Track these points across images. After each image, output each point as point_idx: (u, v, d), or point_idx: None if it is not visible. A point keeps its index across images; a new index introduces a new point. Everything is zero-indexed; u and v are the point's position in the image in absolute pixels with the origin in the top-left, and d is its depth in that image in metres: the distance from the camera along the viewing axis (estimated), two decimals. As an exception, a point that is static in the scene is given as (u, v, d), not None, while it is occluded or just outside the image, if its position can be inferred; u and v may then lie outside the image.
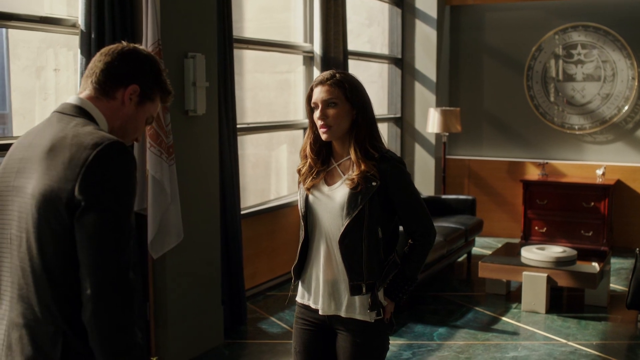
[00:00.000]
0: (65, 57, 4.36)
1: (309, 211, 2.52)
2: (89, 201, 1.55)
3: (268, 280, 5.90)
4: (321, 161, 2.52)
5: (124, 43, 1.82)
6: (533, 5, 7.85)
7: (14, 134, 4.66)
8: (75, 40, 4.14)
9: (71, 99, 1.76)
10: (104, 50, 1.80)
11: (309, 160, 2.52)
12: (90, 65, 1.79)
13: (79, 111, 1.73)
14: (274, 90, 7.76)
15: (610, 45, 7.53)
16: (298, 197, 2.59)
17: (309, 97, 2.49)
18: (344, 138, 2.48)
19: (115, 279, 1.57)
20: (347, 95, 2.44)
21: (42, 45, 4.41)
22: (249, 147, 7.07)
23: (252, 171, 7.20)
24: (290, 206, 6.15)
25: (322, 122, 2.42)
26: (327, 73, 2.48)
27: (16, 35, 4.36)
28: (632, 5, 7.43)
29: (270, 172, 7.58)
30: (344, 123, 2.44)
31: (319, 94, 2.45)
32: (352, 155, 2.43)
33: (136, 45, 1.83)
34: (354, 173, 2.41)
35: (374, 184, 2.39)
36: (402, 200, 2.45)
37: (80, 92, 1.78)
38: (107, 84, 1.75)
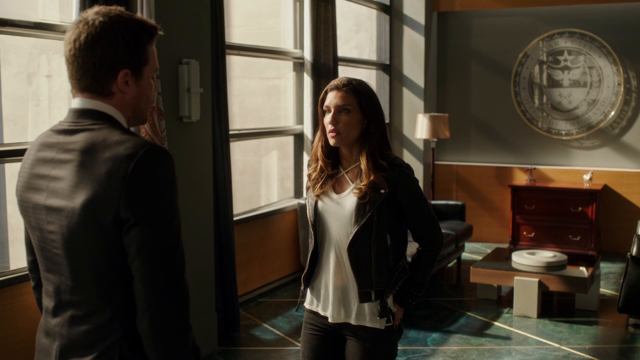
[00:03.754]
0: (58, 63, 4.32)
1: (318, 219, 2.52)
2: (136, 216, 1.50)
3: (260, 287, 5.88)
4: (332, 165, 2.52)
5: (80, 25, 1.58)
6: (520, 12, 7.92)
7: (5, 141, 4.62)
8: (68, 46, 4.11)
9: (77, 103, 1.64)
10: (68, 46, 1.60)
11: (320, 163, 2.52)
12: (67, 69, 1.64)
13: (94, 115, 1.61)
14: (261, 96, 7.75)
15: (597, 52, 7.61)
16: (307, 204, 2.58)
17: (322, 101, 2.48)
18: (352, 146, 2.48)
19: (168, 287, 1.53)
20: (360, 104, 2.44)
21: (34, 51, 4.37)
22: (237, 154, 7.05)
23: (239, 177, 7.18)
24: (280, 212, 6.14)
25: (333, 127, 2.42)
26: (343, 79, 2.47)
27: (7, 41, 4.31)
28: (617, 12, 7.51)
29: (259, 178, 7.56)
30: (354, 131, 2.44)
31: (333, 98, 2.44)
32: (363, 166, 2.43)
33: (88, 19, 1.59)
34: (362, 183, 2.41)
35: (382, 191, 2.39)
36: (411, 206, 2.46)
37: (75, 95, 1.65)
38: (95, 85, 1.60)
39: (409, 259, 2.61)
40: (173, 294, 1.54)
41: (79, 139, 1.59)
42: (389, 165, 2.43)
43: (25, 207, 1.68)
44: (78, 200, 1.54)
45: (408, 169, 2.47)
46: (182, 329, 1.56)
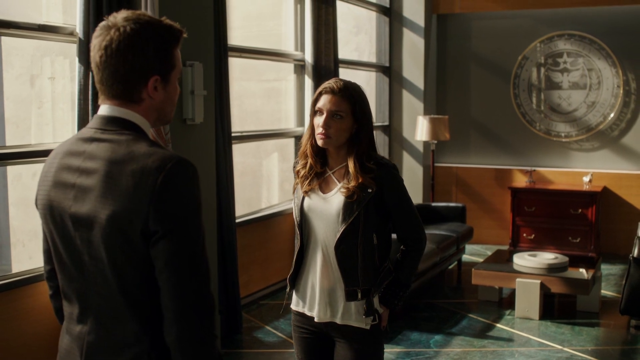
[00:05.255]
0: (61, 65, 4.31)
1: (304, 219, 2.54)
2: (165, 229, 1.51)
3: (261, 289, 5.88)
4: (321, 163, 2.53)
5: (111, 32, 1.57)
6: (519, 14, 7.93)
7: (7, 143, 4.61)
8: (71, 48, 4.10)
9: (104, 109, 1.64)
10: (98, 52, 1.59)
11: (310, 160, 2.53)
12: (97, 74, 1.62)
13: (120, 123, 1.61)
14: (260, 98, 7.75)
15: (596, 54, 7.63)
16: (293, 205, 2.59)
17: (315, 101, 2.49)
18: (339, 147, 2.50)
19: (196, 299, 1.54)
20: (354, 111, 2.45)
21: (37, 53, 4.36)
22: (236, 156, 7.04)
23: (238, 179, 7.17)
24: (282, 215, 6.14)
25: (324, 131, 2.43)
26: (339, 82, 2.47)
27: (9, 43, 4.31)
28: (616, 14, 7.53)
29: (259, 180, 7.56)
30: (343, 136, 2.46)
31: (327, 102, 2.44)
32: (351, 169, 2.45)
33: (118, 25, 1.58)
34: (350, 183, 2.43)
35: (369, 190, 2.42)
36: (397, 205, 2.48)
37: (103, 101, 1.65)
38: (126, 92, 1.61)
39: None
40: (200, 305, 1.55)
41: (106, 148, 1.59)
42: (375, 165, 2.45)
43: (51, 214, 1.66)
44: (104, 211, 1.54)
45: (394, 169, 2.50)
46: (209, 339, 1.57)
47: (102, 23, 1.62)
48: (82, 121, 3.83)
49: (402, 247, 2.57)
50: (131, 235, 1.52)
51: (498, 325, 5.25)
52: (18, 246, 4.52)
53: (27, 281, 3.79)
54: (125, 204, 1.52)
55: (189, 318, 1.53)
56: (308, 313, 2.55)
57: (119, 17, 1.60)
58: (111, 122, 1.62)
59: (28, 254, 4.52)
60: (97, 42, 1.61)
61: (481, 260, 6.77)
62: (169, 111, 1.71)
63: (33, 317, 3.79)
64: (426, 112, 7.94)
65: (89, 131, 1.65)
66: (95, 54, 1.61)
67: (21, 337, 3.73)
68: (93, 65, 1.63)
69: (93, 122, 1.67)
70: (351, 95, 2.45)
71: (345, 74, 7.21)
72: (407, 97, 8.00)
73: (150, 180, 1.51)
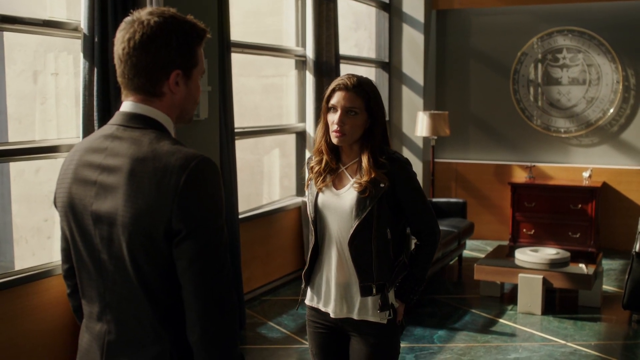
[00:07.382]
0: (65, 61, 4.29)
1: (318, 216, 2.53)
2: (189, 228, 1.49)
3: (263, 285, 5.87)
4: (336, 159, 2.53)
5: (135, 25, 1.57)
6: (519, 10, 7.93)
7: (10, 139, 4.59)
8: (74, 43, 4.08)
9: (127, 106, 1.63)
10: (121, 45, 1.59)
11: (325, 156, 2.52)
12: (119, 67, 1.62)
13: (143, 121, 1.60)
14: (259, 94, 7.74)
15: (595, 50, 7.64)
16: (307, 201, 2.58)
17: (329, 98, 2.47)
18: (353, 143, 2.49)
19: (220, 299, 1.53)
20: (368, 106, 2.44)
21: (40, 49, 4.34)
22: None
23: (237, 175, 7.15)
24: (283, 211, 6.13)
25: (338, 128, 2.42)
26: (352, 78, 2.45)
27: (12, 39, 4.28)
28: (615, 10, 7.54)
29: (257, 176, 7.54)
30: (358, 132, 2.45)
31: (341, 99, 2.43)
32: (364, 164, 2.44)
33: (142, 18, 1.57)
34: (362, 178, 2.43)
35: (382, 185, 2.41)
36: (409, 200, 2.48)
37: (126, 96, 1.64)
38: (148, 86, 1.59)
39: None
40: (224, 305, 1.54)
41: (128, 145, 1.57)
42: (388, 160, 2.44)
43: (72, 211, 1.65)
44: (127, 209, 1.52)
45: (407, 163, 2.50)
46: (233, 339, 1.57)
47: (127, 18, 1.61)
48: (87, 117, 3.82)
49: (415, 241, 2.57)
50: (154, 234, 1.51)
51: (501, 320, 5.26)
52: (21, 243, 4.50)
53: (30, 278, 3.78)
54: (149, 202, 1.50)
55: (212, 318, 1.52)
56: (323, 309, 2.54)
57: (144, 11, 1.60)
58: (133, 119, 1.61)
59: (31, 251, 4.50)
60: (120, 36, 1.60)
61: (481, 255, 6.78)
62: (191, 109, 1.70)
63: (36, 315, 3.78)
64: (426, 107, 7.94)
65: (111, 128, 1.63)
66: (118, 47, 1.60)
67: (24, 335, 3.72)
68: (115, 59, 1.62)
69: (115, 118, 1.65)
70: (365, 90, 2.44)
71: (345, 69, 7.21)
72: (406, 92, 8.00)
73: (174, 178, 1.50)
